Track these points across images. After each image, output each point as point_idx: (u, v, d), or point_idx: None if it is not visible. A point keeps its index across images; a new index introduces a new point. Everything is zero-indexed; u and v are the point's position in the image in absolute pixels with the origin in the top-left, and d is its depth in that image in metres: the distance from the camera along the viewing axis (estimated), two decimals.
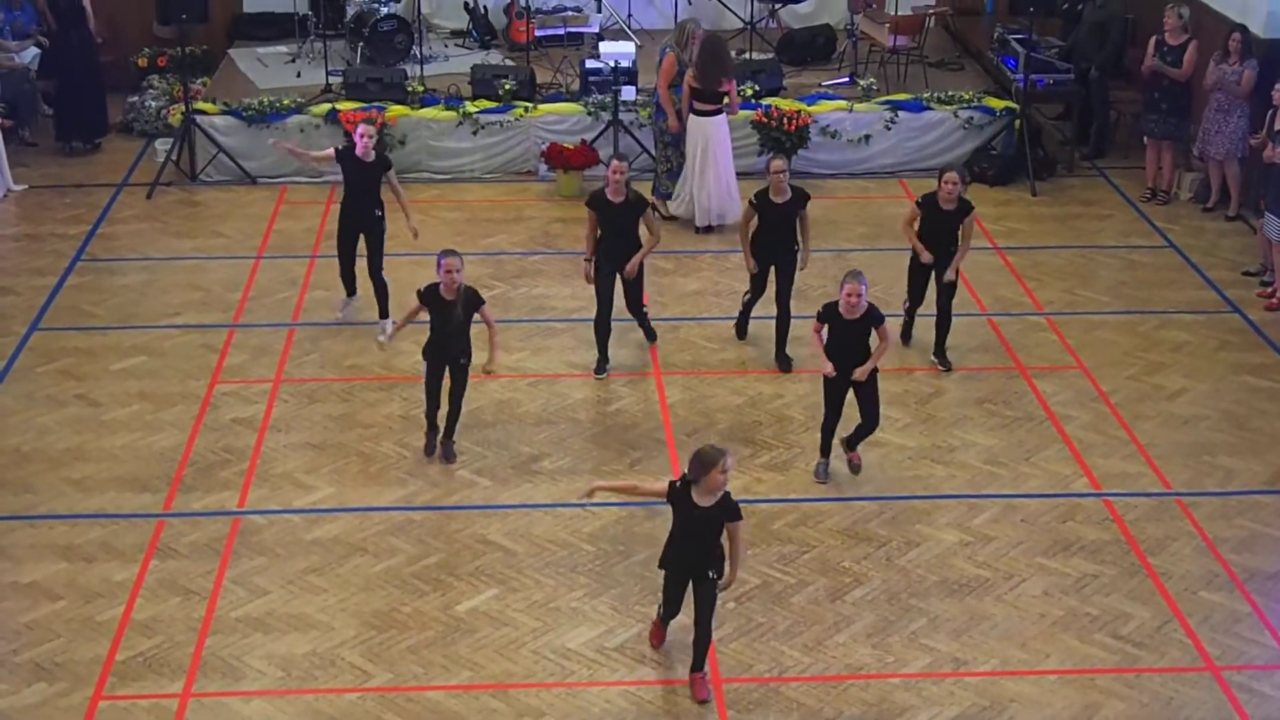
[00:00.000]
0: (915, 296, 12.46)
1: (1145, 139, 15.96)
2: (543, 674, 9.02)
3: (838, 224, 15.21)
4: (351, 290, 13.02)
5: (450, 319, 10.71)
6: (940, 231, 12.05)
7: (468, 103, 16.37)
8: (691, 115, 14.71)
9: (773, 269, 12.25)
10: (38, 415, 11.67)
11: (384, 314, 12.75)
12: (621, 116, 15.94)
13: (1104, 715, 8.71)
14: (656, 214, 13.08)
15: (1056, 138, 17.29)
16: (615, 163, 11.83)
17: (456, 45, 18.43)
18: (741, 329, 12.86)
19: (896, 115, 16.46)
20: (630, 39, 17.30)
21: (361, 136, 12.41)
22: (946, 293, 12.18)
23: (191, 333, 13.00)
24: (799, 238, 12.21)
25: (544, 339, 12.85)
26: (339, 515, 10.50)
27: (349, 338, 12.86)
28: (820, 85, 17.10)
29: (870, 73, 17.23)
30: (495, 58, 17.84)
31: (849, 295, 10.24)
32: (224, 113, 16.24)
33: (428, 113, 16.28)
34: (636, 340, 12.76)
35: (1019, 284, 13.98)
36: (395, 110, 16.13)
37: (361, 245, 12.71)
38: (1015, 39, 16.81)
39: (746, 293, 12.66)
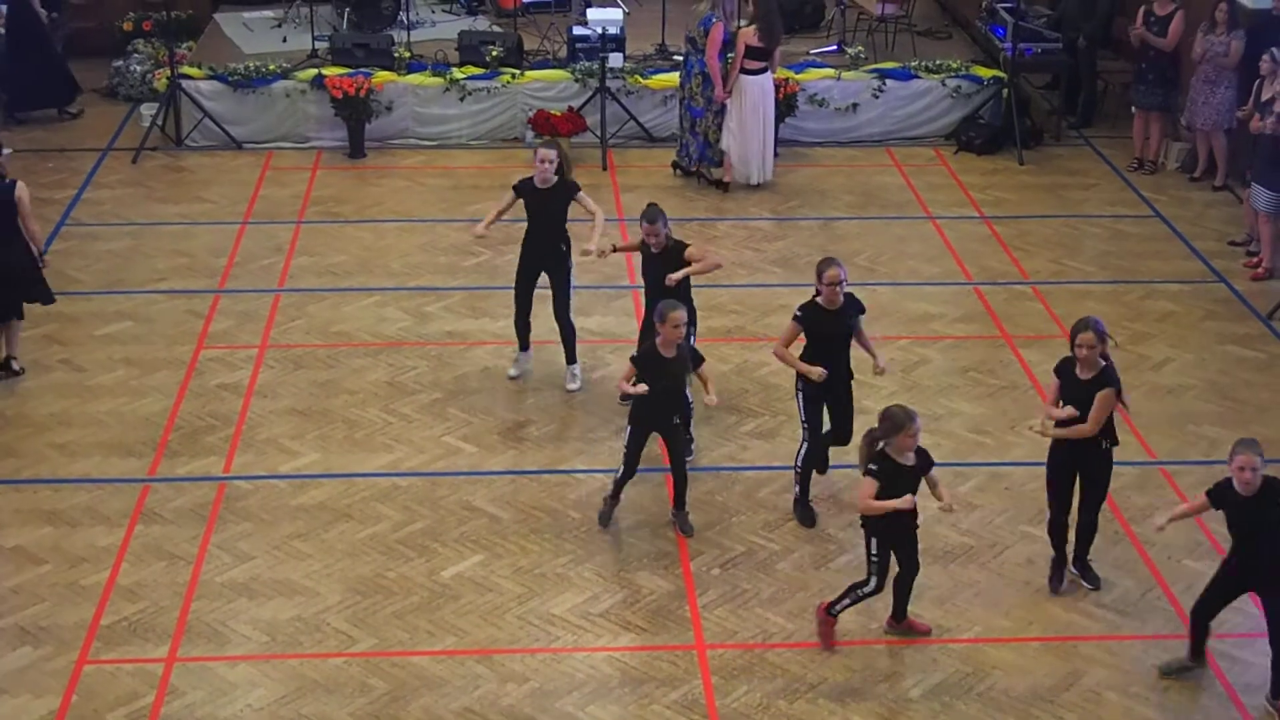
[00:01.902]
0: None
1: (1133, 109, 15.96)
2: (527, 639, 9.03)
3: (825, 193, 15.21)
4: (525, 343, 11.68)
5: (668, 374, 9.70)
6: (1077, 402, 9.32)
7: (455, 69, 16.31)
8: (742, 75, 14.82)
9: (826, 407, 10.08)
10: (22, 380, 11.63)
11: (571, 359, 11.60)
12: (609, 84, 15.90)
13: (1086, 682, 8.75)
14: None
15: (1044, 107, 17.27)
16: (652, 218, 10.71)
17: (443, 11, 18.34)
18: (822, 464, 10.50)
19: (884, 84, 16.43)
20: (618, 6, 17.23)
21: (542, 162, 11.04)
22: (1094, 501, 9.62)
23: (177, 298, 12.97)
24: (863, 349, 10.04)
25: None
26: (324, 481, 10.50)
27: (334, 304, 12.84)
28: (808, 53, 17.06)
29: (858, 41, 17.20)
30: (482, 24, 17.77)
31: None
32: (210, 77, 16.16)
33: (414, 79, 16.22)
34: (622, 307, 12.76)
35: (1005, 253, 13.98)
36: (382, 76, 16.06)
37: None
38: (1003, 7, 16.78)
39: (802, 444, 10.17)
